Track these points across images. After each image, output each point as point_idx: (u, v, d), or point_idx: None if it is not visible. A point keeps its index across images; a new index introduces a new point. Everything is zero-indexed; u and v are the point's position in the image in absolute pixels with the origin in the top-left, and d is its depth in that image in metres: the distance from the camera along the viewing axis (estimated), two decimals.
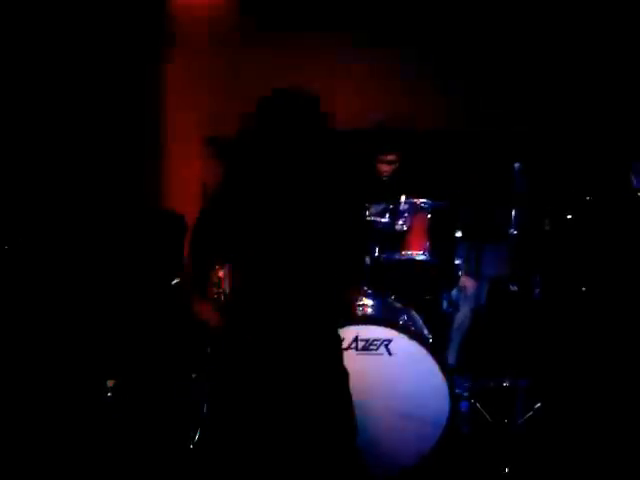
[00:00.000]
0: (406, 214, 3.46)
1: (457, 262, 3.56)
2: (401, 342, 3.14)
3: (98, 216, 4.33)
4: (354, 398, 2.38)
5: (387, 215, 3.44)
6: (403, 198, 3.47)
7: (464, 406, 3.57)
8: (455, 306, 3.84)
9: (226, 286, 4.17)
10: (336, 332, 2.41)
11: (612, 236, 4.01)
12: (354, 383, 2.40)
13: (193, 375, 3.50)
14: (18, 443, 3.17)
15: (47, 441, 3.21)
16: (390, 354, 3.13)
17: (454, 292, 3.83)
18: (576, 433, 3.41)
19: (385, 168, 3.89)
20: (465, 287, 3.88)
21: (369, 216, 3.41)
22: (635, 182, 3.77)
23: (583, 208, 3.91)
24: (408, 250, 3.48)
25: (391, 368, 3.12)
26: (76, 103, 4.52)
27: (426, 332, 3.39)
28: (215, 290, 4.18)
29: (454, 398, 3.16)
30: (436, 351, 3.18)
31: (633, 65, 4.37)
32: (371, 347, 3.10)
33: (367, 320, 3.21)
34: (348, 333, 3.04)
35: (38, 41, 4.36)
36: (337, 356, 2.37)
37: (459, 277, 3.63)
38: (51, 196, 4.33)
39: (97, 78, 4.59)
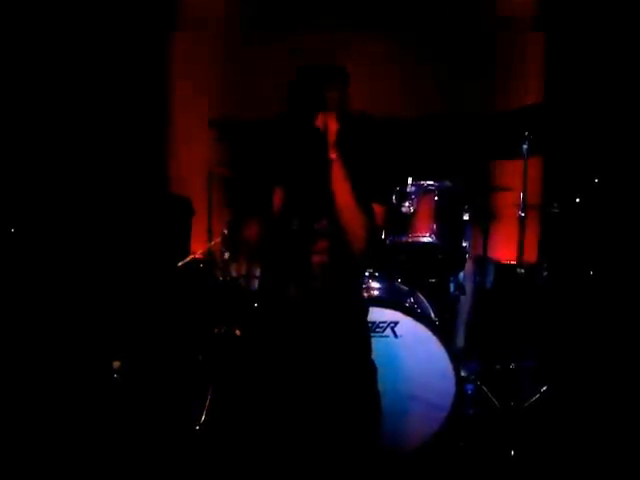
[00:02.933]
0: (413, 196, 3.44)
1: (464, 245, 3.54)
2: (407, 324, 3.13)
3: (106, 200, 4.33)
4: None
5: (393, 197, 3.42)
6: (410, 180, 3.45)
7: (470, 389, 3.56)
8: (462, 289, 3.82)
9: (232, 270, 4.19)
10: (366, 325, 2.41)
11: (620, 220, 3.99)
12: None
13: (199, 357, 3.51)
14: (25, 422, 3.19)
15: (53, 421, 3.22)
16: (396, 336, 3.12)
17: (461, 275, 3.81)
18: (582, 416, 3.40)
19: None
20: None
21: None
22: None
23: (591, 191, 3.89)
24: (415, 233, 3.47)
25: (397, 350, 3.12)
26: (82, 89, 4.52)
27: (432, 315, 3.39)
28: (221, 273, 4.19)
29: (460, 380, 3.16)
30: (442, 334, 3.17)
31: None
32: (377, 329, 3.10)
33: (373, 302, 3.20)
34: None
35: (48, 28, 4.36)
36: (367, 349, 2.36)
37: (466, 260, 3.62)
38: (60, 181, 4.34)
39: (103, 64, 4.58)
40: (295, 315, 2.29)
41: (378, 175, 2.35)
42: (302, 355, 2.27)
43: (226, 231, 3.80)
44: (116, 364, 3.49)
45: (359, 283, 2.47)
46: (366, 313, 2.45)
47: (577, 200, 3.82)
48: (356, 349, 2.33)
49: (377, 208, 2.30)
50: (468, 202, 3.56)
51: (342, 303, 2.32)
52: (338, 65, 2.36)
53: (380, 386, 2.38)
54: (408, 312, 3.16)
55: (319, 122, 2.18)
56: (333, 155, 2.17)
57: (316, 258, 2.27)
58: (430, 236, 3.46)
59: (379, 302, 3.22)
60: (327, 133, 2.17)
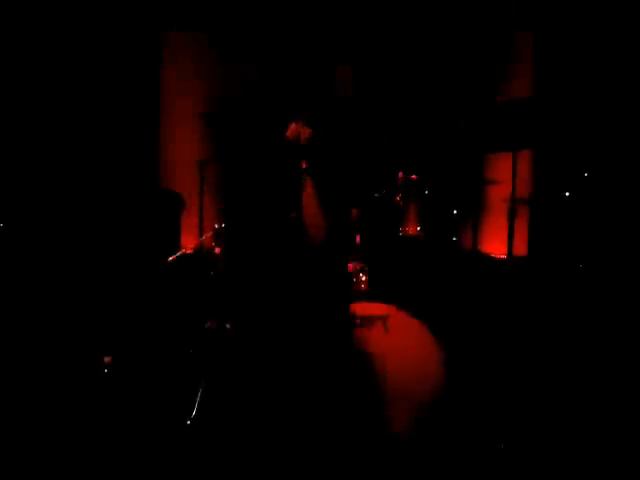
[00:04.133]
0: (403, 190, 3.45)
1: (454, 238, 3.56)
2: (398, 318, 3.14)
3: (96, 194, 4.32)
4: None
5: (383, 191, 3.43)
6: (400, 174, 3.47)
7: (460, 382, 3.57)
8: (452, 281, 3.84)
9: (222, 264, 4.18)
10: (348, 315, 2.42)
11: (610, 213, 4.01)
12: None
13: (190, 351, 3.50)
14: (15, 416, 3.18)
15: (44, 416, 3.22)
16: (387, 330, 3.13)
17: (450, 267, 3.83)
18: (573, 408, 3.42)
19: None
20: None
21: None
22: None
23: (582, 185, 3.90)
24: (405, 226, 3.48)
25: (388, 343, 3.13)
26: (74, 86, 4.51)
27: (423, 308, 3.40)
28: (211, 267, 4.19)
29: (451, 374, 3.17)
30: (433, 327, 3.18)
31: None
32: (368, 323, 3.10)
33: (364, 296, 3.21)
34: None
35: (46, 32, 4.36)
36: (348, 341, 2.37)
37: (455, 253, 3.64)
38: (50, 176, 4.32)
39: (98, 65, 4.58)
40: (277, 307, 2.30)
41: (353, 182, 2.36)
42: (285, 348, 2.28)
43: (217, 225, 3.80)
44: (107, 359, 3.48)
45: (339, 273, 2.47)
46: (348, 303, 2.45)
47: (567, 194, 3.84)
48: (337, 341, 2.33)
49: (353, 210, 2.33)
50: (458, 196, 3.58)
51: (322, 292, 2.32)
52: (317, 63, 2.36)
53: (371, 379, 2.39)
54: (399, 306, 3.17)
55: (290, 133, 2.20)
56: (303, 165, 2.20)
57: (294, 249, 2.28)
58: (420, 230, 3.48)
59: (370, 296, 3.24)
60: (298, 142, 2.19)
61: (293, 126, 2.21)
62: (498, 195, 3.96)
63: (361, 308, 3.11)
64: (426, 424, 3.12)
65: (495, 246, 4.32)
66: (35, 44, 4.34)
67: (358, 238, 3.42)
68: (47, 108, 4.40)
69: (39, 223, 4.11)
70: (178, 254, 3.82)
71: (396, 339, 3.13)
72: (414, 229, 3.51)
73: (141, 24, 4.73)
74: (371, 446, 2.46)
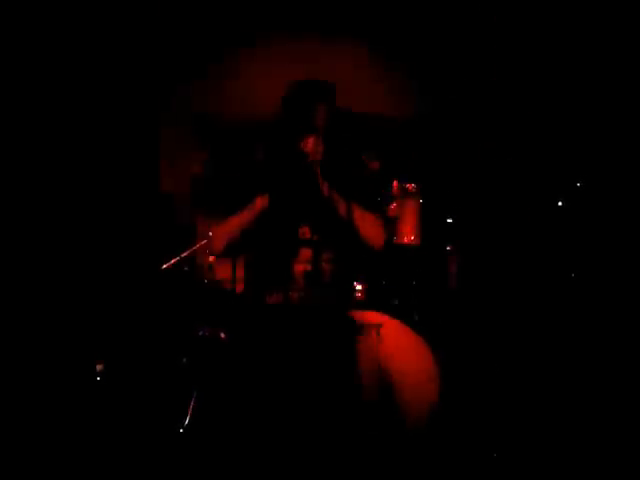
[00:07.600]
0: (397, 199, 3.46)
1: (448, 248, 3.58)
2: (392, 327, 3.15)
3: (89, 199, 4.30)
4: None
5: (379, 200, 3.45)
6: (395, 183, 3.48)
7: (455, 391, 3.57)
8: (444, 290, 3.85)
9: (217, 272, 4.17)
10: (351, 332, 2.43)
11: (604, 222, 4.01)
12: None
13: (183, 359, 3.50)
14: (7, 424, 3.16)
15: (36, 423, 3.20)
16: (381, 339, 3.13)
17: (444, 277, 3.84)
18: (568, 421, 3.42)
19: None
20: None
21: None
22: None
23: (574, 194, 3.92)
24: (399, 235, 3.49)
25: (382, 353, 3.13)
26: (72, 91, 4.49)
27: (417, 317, 3.41)
28: (205, 276, 4.18)
29: (444, 382, 3.17)
30: (427, 335, 3.19)
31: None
32: (362, 332, 3.10)
33: (359, 305, 3.21)
34: None
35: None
36: (350, 358, 2.38)
37: (450, 263, 3.65)
38: (45, 180, 4.30)
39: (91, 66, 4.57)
40: (277, 322, 2.30)
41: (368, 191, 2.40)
42: (281, 361, 2.28)
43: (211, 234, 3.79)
44: (99, 366, 3.47)
45: (345, 291, 2.49)
46: (351, 320, 2.45)
47: (559, 204, 3.85)
48: (338, 358, 2.33)
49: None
50: (453, 205, 3.60)
51: (325, 311, 2.33)
52: (326, 81, 2.39)
53: (365, 387, 2.39)
54: (393, 314, 3.18)
55: (305, 145, 2.22)
56: (325, 192, 2.23)
57: (299, 267, 2.29)
58: (414, 239, 3.49)
59: (364, 304, 3.24)
60: (312, 156, 2.22)
61: (307, 138, 2.24)
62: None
63: (355, 316, 3.11)
64: (421, 431, 3.12)
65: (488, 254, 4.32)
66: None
67: None
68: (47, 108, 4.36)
69: (33, 226, 4.09)
70: (172, 261, 3.80)
71: (390, 347, 3.13)
72: (409, 238, 3.51)
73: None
74: (368, 454, 2.46)
